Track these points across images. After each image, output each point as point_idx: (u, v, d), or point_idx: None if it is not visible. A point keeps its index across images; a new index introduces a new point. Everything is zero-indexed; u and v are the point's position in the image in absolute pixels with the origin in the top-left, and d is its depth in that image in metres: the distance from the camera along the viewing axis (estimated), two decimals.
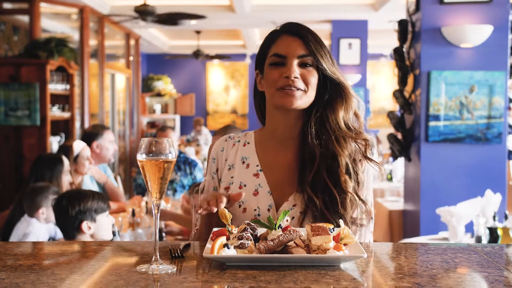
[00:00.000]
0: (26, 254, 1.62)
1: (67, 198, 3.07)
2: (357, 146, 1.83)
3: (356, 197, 1.77)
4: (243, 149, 1.92)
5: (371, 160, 1.83)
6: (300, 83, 1.76)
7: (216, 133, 4.22)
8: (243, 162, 1.89)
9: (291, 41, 1.78)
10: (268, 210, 1.80)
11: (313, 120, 1.82)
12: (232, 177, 1.89)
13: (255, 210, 1.81)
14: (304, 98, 1.78)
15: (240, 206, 1.83)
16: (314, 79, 1.78)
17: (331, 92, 1.82)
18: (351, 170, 1.78)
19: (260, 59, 1.87)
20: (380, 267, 1.48)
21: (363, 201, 1.79)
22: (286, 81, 1.75)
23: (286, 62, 1.76)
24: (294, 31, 1.79)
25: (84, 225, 3.01)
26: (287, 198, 1.80)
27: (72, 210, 3.00)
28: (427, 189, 5.06)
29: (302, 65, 1.77)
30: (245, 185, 1.85)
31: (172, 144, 1.44)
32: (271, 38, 1.83)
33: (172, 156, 1.43)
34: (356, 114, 1.85)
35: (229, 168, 1.91)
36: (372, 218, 1.85)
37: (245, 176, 1.87)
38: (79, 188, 4.43)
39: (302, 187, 1.78)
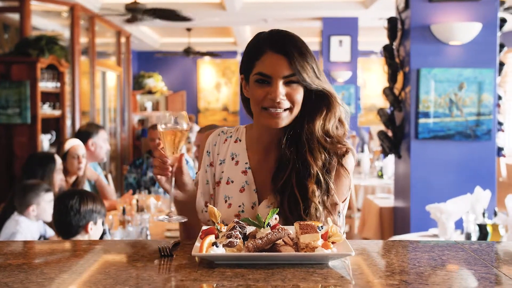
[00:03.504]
0: (16, 253, 1.63)
1: (78, 196, 3.10)
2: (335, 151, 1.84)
3: (320, 207, 1.77)
4: (234, 145, 1.96)
5: (343, 167, 1.83)
6: (285, 103, 1.76)
7: (200, 131, 4.28)
8: (232, 159, 1.94)
9: (276, 60, 1.75)
10: (252, 207, 1.85)
11: (290, 129, 1.84)
12: (222, 172, 1.94)
13: (239, 206, 1.86)
14: (289, 117, 1.79)
15: (226, 201, 1.88)
16: (299, 96, 1.78)
17: (315, 102, 1.82)
18: (322, 180, 1.79)
19: (245, 67, 1.85)
20: (368, 265, 1.49)
21: (329, 211, 1.78)
22: (271, 103, 1.76)
23: (272, 82, 1.75)
24: (280, 47, 1.76)
25: (90, 225, 3.06)
26: (266, 197, 1.84)
27: (84, 208, 3.05)
28: (417, 186, 5.08)
29: (287, 83, 1.76)
30: (232, 181, 1.90)
31: (185, 117, 1.78)
32: (257, 51, 1.80)
33: (185, 126, 1.77)
34: (340, 121, 1.86)
35: (220, 163, 1.96)
36: (340, 226, 1.82)
37: (234, 172, 1.92)
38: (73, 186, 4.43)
39: (273, 190, 1.82)
